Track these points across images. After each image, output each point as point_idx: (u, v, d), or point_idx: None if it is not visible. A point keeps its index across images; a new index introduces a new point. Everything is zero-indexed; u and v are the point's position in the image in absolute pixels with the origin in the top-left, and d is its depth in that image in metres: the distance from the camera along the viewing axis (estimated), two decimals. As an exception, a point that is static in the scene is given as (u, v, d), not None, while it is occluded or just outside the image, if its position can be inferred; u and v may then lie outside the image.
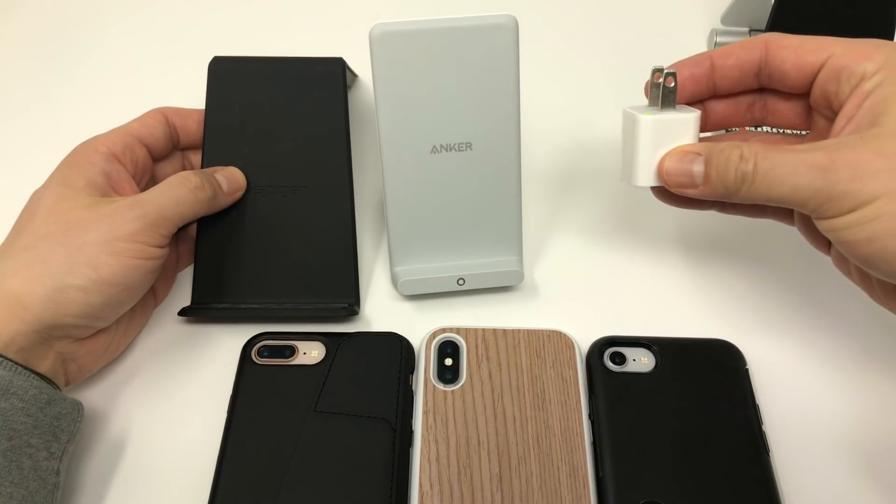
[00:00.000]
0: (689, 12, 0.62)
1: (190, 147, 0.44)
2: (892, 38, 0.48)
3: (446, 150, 0.38)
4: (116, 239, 0.33)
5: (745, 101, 0.36)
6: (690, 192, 0.32)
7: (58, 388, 0.33)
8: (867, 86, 0.28)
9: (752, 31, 0.56)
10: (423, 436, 0.34)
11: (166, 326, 0.41)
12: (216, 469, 0.33)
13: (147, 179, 0.41)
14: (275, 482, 0.33)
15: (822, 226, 0.28)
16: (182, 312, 0.40)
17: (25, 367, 0.31)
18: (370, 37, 0.35)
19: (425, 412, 0.35)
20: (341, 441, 0.34)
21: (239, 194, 0.41)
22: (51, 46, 0.58)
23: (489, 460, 0.34)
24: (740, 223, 0.40)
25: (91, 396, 0.38)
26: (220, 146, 0.43)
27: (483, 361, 0.37)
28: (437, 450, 0.34)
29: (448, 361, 0.37)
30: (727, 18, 0.56)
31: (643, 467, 0.33)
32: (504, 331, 0.38)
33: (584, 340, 0.39)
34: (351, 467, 0.33)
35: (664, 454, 0.34)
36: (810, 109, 0.34)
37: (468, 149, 0.38)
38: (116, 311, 0.35)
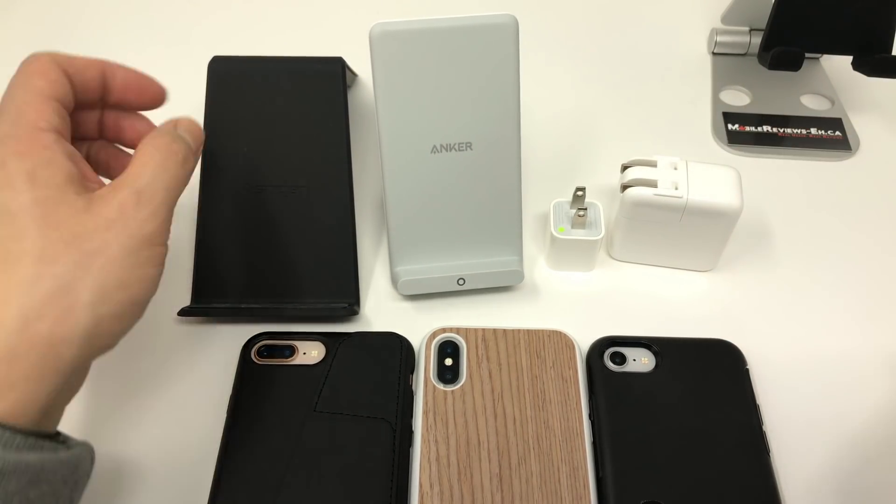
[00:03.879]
0: (689, 12, 0.62)
1: (87, 106, 0.34)
2: (891, 39, 0.48)
3: (446, 150, 0.38)
4: (139, 247, 0.28)
5: None
6: None
7: (68, 437, 0.28)
8: None
9: (753, 30, 0.56)
10: (423, 436, 0.34)
11: (166, 326, 0.41)
12: (216, 469, 0.33)
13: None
14: (275, 482, 0.33)
15: None
16: (182, 312, 0.40)
17: (55, 440, 0.27)
18: (370, 36, 0.35)
19: (425, 412, 0.35)
20: (341, 441, 0.34)
21: (200, 148, 0.34)
22: (50, 45, 0.58)
23: (489, 460, 0.34)
24: (739, 224, 0.40)
25: (90, 395, 0.38)
26: (219, 146, 0.42)
27: (483, 361, 0.37)
28: (437, 450, 0.34)
29: (448, 361, 0.37)
30: (727, 18, 0.56)
31: (643, 467, 0.33)
32: (504, 331, 0.38)
33: (584, 340, 0.39)
34: (351, 467, 0.33)
35: (664, 454, 0.34)
36: None
37: (468, 148, 0.38)
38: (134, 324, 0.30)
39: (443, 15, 0.35)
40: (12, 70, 0.30)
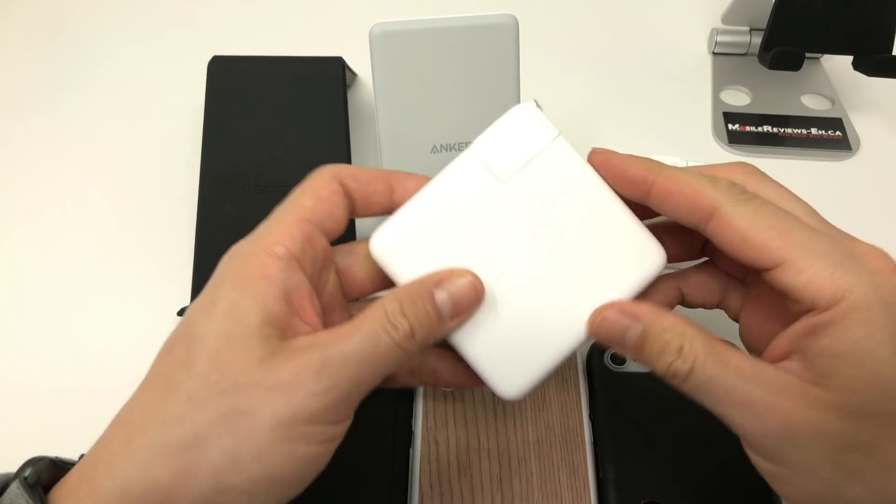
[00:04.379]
0: (689, 11, 0.61)
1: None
2: (891, 39, 0.48)
3: (446, 150, 0.38)
4: (295, 421, 0.23)
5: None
6: (617, 350, 0.28)
7: None
8: (821, 320, 0.23)
9: (753, 30, 0.56)
10: (423, 436, 0.34)
11: (166, 326, 0.41)
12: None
13: (325, 278, 0.29)
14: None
15: (746, 449, 0.26)
16: (182, 313, 0.39)
17: None
18: (370, 36, 0.35)
19: (425, 413, 0.35)
20: (341, 441, 0.34)
21: (466, 317, 0.27)
22: (49, 46, 0.58)
23: (489, 461, 0.34)
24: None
25: (89, 397, 0.38)
26: (219, 146, 0.42)
27: (483, 362, 0.37)
28: (438, 450, 0.34)
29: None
30: (728, 17, 0.56)
31: (644, 468, 0.33)
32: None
33: (584, 340, 0.39)
34: (351, 468, 0.33)
35: (665, 455, 0.34)
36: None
37: (468, 148, 0.38)
38: None
39: (443, 15, 0.35)
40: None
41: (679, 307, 0.31)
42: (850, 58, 0.50)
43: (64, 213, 0.47)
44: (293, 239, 0.26)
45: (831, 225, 0.27)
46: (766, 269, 0.24)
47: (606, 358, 0.37)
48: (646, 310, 0.26)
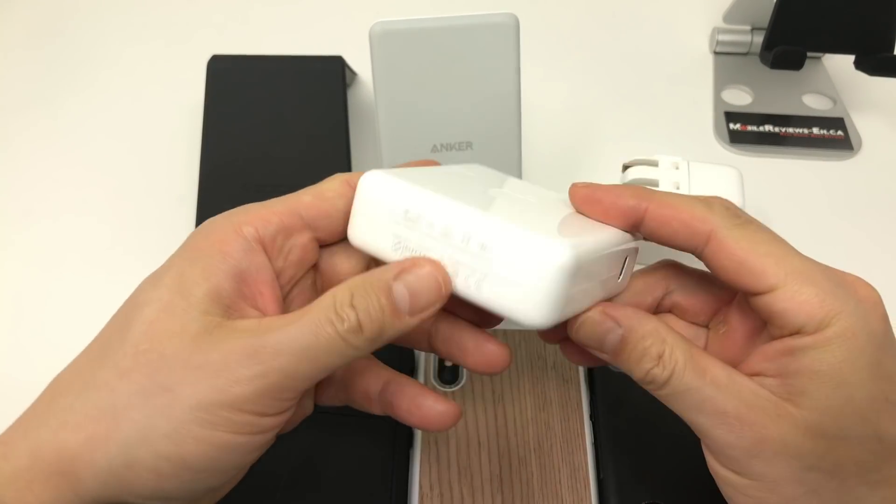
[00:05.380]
0: (690, 10, 0.61)
1: None
2: (893, 38, 0.48)
3: (446, 150, 0.38)
4: (216, 405, 0.22)
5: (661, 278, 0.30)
6: (594, 353, 0.26)
7: None
8: (805, 342, 0.23)
9: (755, 29, 0.56)
10: (423, 437, 0.34)
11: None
12: (215, 470, 0.33)
13: (301, 276, 0.27)
14: (274, 483, 0.33)
15: (707, 457, 0.26)
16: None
17: None
18: (370, 35, 0.35)
19: (425, 413, 0.35)
20: (341, 441, 0.34)
21: (427, 314, 0.24)
22: (49, 45, 0.58)
23: (489, 461, 0.34)
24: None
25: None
26: (218, 146, 0.42)
27: (483, 362, 0.37)
28: (438, 451, 0.34)
29: (448, 362, 0.37)
30: (729, 17, 0.56)
31: (645, 468, 0.33)
32: (504, 331, 0.38)
33: (584, 341, 0.39)
34: (351, 468, 0.33)
35: (666, 455, 0.34)
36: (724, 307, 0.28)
37: (468, 148, 0.38)
38: (199, 495, 0.24)
39: (443, 13, 0.35)
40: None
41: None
42: (852, 57, 0.50)
43: (63, 211, 0.47)
44: (267, 224, 0.25)
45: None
46: (759, 294, 0.24)
47: (607, 358, 0.37)
48: (627, 314, 0.25)
